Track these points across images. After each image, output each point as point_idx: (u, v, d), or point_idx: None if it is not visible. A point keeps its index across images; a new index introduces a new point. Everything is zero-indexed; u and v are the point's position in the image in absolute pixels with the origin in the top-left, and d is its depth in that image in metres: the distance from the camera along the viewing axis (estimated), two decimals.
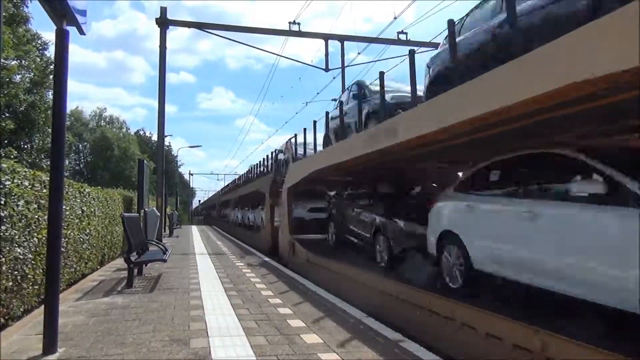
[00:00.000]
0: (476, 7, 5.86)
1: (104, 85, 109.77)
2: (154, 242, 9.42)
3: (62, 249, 5.51)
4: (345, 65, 18.85)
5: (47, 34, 25.96)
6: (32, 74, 22.87)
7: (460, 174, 7.42)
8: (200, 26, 17.23)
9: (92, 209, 8.03)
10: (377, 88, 7.68)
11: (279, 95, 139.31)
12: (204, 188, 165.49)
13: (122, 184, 20.42)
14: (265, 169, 19.14)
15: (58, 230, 3.65)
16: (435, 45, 15.16)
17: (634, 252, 3.10)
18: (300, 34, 17.14)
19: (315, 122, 11.76)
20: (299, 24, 16.87)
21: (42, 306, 3.91)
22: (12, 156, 16.88)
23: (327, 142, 11.09)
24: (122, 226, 7.37)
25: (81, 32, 3.92)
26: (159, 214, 14.24)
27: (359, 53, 18.33)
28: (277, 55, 27.13)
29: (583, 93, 3.57)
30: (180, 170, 60.45)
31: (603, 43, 3.19)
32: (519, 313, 4.05)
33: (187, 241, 18.18)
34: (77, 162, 52.50)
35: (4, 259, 4.19)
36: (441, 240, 5.80)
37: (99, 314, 4.95)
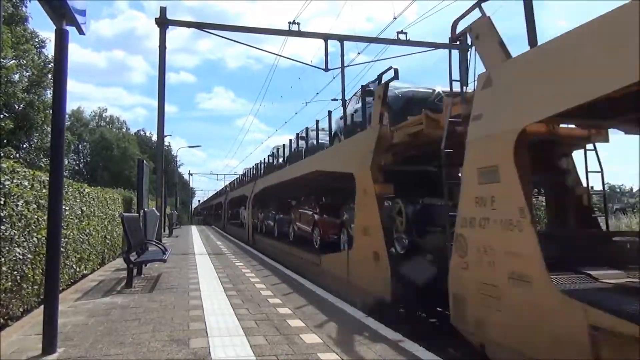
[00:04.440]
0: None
1: (104, 85, 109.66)
2: (153, 242, 9.42)
3: (62, 249, 5.51)
4: (345, 65, 18.78)
5: (45, 32, 25.95)
6: (30, 73, 22.82)
7: None
8: (200, 26, 17.15)
9: (92, 209, 8.02)
10: (313, 133, 13.28)
11: (279, 95, 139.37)
12: (204, 188, 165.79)
13: (121, 184, 20.41)
14: (250, 177, 24.00)
15: (57, 230, 3.65)
16: (434, 45, 15.25)
17: None
18: (299, 33, 17.07)
19: (290, 139, 15.71)
20: (298, 23, 16.79)
21: (42, 306, 3.91)
22: (11, 156, 16.85)
23: (281, 167, 16.33)
24: (122, 226, 7.37)
25: (80, 32, 3.92)
26: (158, 214, 14.21)
27: (358, 53, 18.26)
28: (277, 55, 27.07)
29: None
30: (179, 170, 60.42)
31: None
32: None
33: (186, 241, 18.18)
34: (77, 162, 52.43)
35: (3, 259, 4.19)
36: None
37: (99, 314, 4.95)
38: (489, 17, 4.76)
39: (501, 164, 4.17)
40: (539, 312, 3.62)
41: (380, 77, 7.59)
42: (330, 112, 11.61)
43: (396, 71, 6.94)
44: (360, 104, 9.33)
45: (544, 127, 5.12)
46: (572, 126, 5.56)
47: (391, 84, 7.44)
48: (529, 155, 4.20)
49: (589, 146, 5.63)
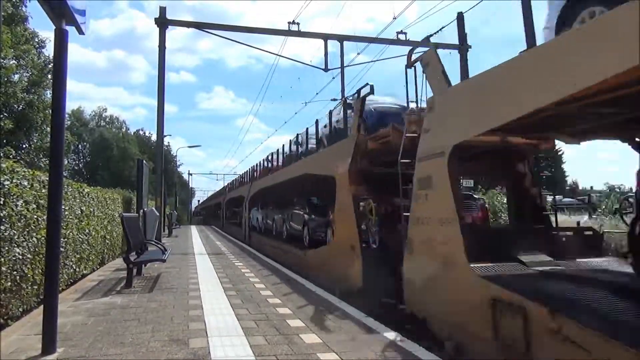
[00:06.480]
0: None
1: (104, 84, 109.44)
2: (153, 242, 9.41)
3: (61, 249, 5.51)
4: (345, 65, 18.82)
5: (45, 32, 25.94)
6: (30, 73, 22.81)
7: None
8: (200, 26, 17.16)
9: (92, 209, 8.02)
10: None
11: (279, 95, 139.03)
12: (203, 188, 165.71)
13: (121, 184, 20.40)
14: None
15: (57, 230, 3.65)
16: (434, 45, 15.26)
17: None
18: (299, 34, 17.10)
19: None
20: (298, 23, 16.84)
21: (41, 306, 3.91)
22: (10, 156, 16.84)
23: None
24: (122, 226, 7.37)
25: (80, 31, 3.92)
26: (158, 214, 14.21)
27: (358, 53, 18.28)
28: (277, 55, 27.11)
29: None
30: (179, 170, 60.42)
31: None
32: None
33: (186, 241, 18.18)
34: (77, 162, 52.42)
35: (3, 259, 4.19)
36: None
37: (98, 314, 4.95)
38: (435, 49, 5.93)
39: (434, 173, 5.33)
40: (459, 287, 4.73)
41: (358, 91, 8.36)
42: (317, 121, 12.23)
43: (372, 87, 7.78)
44: (342, 115, 9.98)
45: (497, 138, 5.87)
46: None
47: (368, 98, 8.21)
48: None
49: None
